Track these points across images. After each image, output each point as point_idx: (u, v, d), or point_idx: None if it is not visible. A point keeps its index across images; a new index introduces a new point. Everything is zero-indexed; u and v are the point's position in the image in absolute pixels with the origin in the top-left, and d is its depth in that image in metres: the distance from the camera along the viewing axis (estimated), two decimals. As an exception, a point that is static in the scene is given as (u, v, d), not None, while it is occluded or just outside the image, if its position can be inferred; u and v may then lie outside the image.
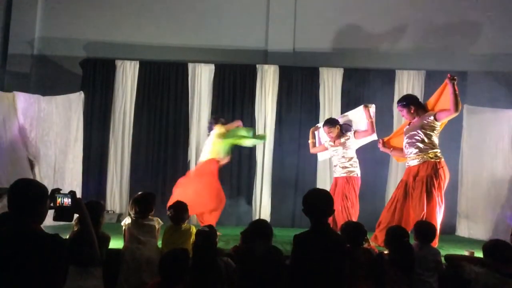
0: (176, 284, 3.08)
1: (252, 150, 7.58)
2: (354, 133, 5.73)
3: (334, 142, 5.76)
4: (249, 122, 7.72)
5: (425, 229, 4.00)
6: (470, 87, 7.59)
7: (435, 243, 4.40)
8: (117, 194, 7.62)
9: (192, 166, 7.64)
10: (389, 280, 3.59)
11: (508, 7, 8.10)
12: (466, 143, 7.18)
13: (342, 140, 5.70)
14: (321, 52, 8.12)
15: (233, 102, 7.86)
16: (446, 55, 7.88)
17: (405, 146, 5.11)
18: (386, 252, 3.83)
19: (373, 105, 5.75)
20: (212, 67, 7.85)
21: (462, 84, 7.49)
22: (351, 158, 5.65)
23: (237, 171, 7.69)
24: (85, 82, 7.78)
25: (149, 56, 7.99)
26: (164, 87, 7.87)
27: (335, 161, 5.78)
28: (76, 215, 3.01)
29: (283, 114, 7.74)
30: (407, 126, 5.22)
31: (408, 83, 7.73)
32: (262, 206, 7.57)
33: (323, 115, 7.56)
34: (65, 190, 2.61)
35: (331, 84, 7.84)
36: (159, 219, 4.22)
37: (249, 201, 7.60)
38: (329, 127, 5.75)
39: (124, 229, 4.11)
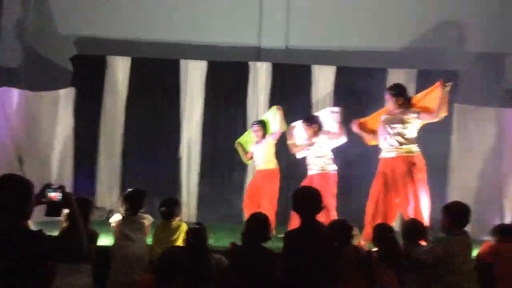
0: (171, 282, 3.06)
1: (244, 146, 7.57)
2: (327, 134, 5.80)
3: (310, 140, 5.77)
4: (242, 119, 7.73)
5: (411, 228, 4.03)
6: (460, 86, 7.61)
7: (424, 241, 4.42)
8: (107, 191, 7.57)
9: (184, 164, 7.64)
10: (379, 277, 3.60)
11: (497, 6, 8.16)
12: (455, 142, 7.22)
13: (316, 139, 5.74)
14: (314, 50, 8.11)
15: (225, 99, 7.84)
16: (438, 54, 7.90)
17: (383, 137, 5.12)
18: (375, 249, 3.85)
19: (338, 108, 5.94)
20: (204, 64, 7.82)
21: (453, 83, 7.55)
22: (325, 155, 5.70)
23: (228, 169, 7.68)
24: (76, 78, 7.70)
25: (140, 53, 7.92)
26: (155, 84, 7.82)
27: (310, 158, 5.79)
28: (65, 211, 3.00)
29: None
30: (387, 115, 5.19)
31: (399, 82, 7.71)
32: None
33: (315, 113, 7.56)
34: (55, 186, 2.58)
35: (323, 82, 7.84)
36: (149, 216, 4.21)
37: (241, 197, 7.58)
38: (308, 124, 5.78)
39: (114, 226, 4.09)
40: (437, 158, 7.18)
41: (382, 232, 3.83)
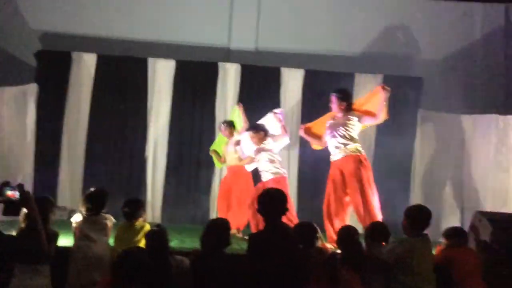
0: (129, 284, 3.01)
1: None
2: (272, 137, 5.90)
3: (257, 148, 5.84)
4: (210, 120, 7.69)
5: (374, 229, 4.10)
6: (424, 93, 7.82)
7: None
8: (69, 190, 7.40)
9: (150, 163, 7.55)
10: (343, 278, 3.64)
11: (465, 13, 8.40)
12: (419, 147, 7.39)
13: (263, 145, 5.81)
14: (283, 53, 8.16)
15: (194, 99, 7.78)
16: (403, 60, 8.08)
17: (330, 141, 5.40)
18: (339, 251, 3.90)
19: (281, 109, 6.20)
20: (173, 63, 7.74)
21: (417, 89, 7.75)
22: (274, 160, 5.77)
23: (195, 170, 7.63)
24: (40, 74, 7.49)
25: (107, 50, 7.76)
26: (122, 82, 7.68)
27: (261, 166, 5.85)
28: (24, 210, 2.91)
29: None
30: (331, 121, 5.47)
31: (365, 86, 7.86)
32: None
33: (284, 115, 7.60)
34: (14, 184, 2.51)
35: (292, 84, 7.89)
36: (111, 217, 4.13)
37: (208, 198, 7.55)
38: (254, 132, 5.86)
39: (75, 226, 4.01)
40: (400, 163, 7.35)
41: (346, 235, 3.89)
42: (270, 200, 3.36)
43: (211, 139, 7.62)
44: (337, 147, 5.29)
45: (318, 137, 5.68)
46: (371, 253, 3.75)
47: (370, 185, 5.14)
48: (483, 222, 4.67)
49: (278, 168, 5.71)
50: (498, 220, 4.68)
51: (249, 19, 8.14)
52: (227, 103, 7.75)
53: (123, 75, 7.68)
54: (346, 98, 5.43)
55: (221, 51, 8.13)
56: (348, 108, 5.40)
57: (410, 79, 7.86)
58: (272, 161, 5.73)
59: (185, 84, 7.75)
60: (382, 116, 5.28)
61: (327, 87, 7.68)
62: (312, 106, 7.61)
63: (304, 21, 8.20)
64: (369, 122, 5.39)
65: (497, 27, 8.34)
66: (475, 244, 4.37)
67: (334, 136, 5.33)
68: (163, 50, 7.95)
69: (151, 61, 7.70)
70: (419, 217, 3.74)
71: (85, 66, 7.58)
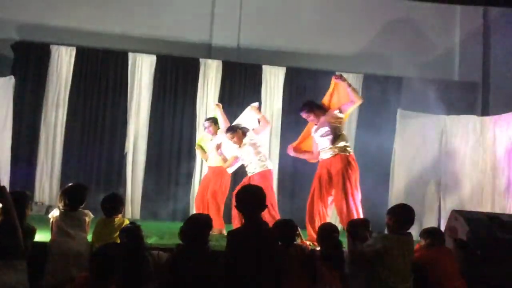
0: (106, 279, 2.98)
1: (192, 143, 7.52)
2: (253, 129, 5.88)
3: (240, 145, 5.83)
4: (190, 116, 7.66)
5: (355, 226, 4.13)
6: (404, 92, 7.91)
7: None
8: (46, 185, 7.28)
9: (129, 159, 7.48)
10: (322, 276, 3.66)
11: (444, 15, 8.53)
12: (398, 146, 7.46)
13: (246, 140, 5.77)
14: (265, 50, 8.16)
15: (175, 95, 7.73)
16: (383, 60, 8.15)
17: (317, 143, 5.40)
18: (318, 248, 3.91)
19: (257, 103, 6.22)
20: (153, 58, 7.68)
21: (397, 89, 7.84)
22: (259, 153, 5.73)
23: (175, 165, 7.59)
24: (17, 66, 7.35)
25: (87, 43, 7.65)
26: (102, 76, 7.59)
27: (246, 161, 5.82)
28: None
29: (224, 110, 7.67)
30: (315, 127, 5.46)
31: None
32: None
33: (264, 113, 7.60)
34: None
35: (273, 82, 7.92)
36: (89, 212, 4.08)
37: (187, 194, 7.52)
38: (232, 133, 5.82)
39: (52, 221, 3.95)
40: (380, 162, 7.43)
41: (326, 232, 3.90)
42: (249, 197, 3.35)
43: (192, 135, 7.61)
44: (326, 147, 5.27)
45: (309, 152, 5.67)
46: (352, 250, 3.78)
47: (356, 187, 5.14)
48: (460, 221, 4.74)
49: (263, 161, 5.68)
50: (475, 219, 4.76)
51: (231, 15, 8.12)
52: (208, 99, 7.73)
53: (102, 69, 7.60)
54: (313, 106, 5.46)
55: (202, 47, 8.09)
56: (321, 110, 5.44)
57: (390, 79, 7.96)
58: (257, 153, 5.69)
59: (166, 80, 7.70)
60: (357, 97, 5.26)
61: (308, 85, 7.79)
62: (293, 104, 7.64)
63: (286, 19, 8.21)
64: (349, 107, 5.36)
65: (476, 28, 8.50)
66: (452, 243, 4.43)
67: (323, 136, 5.30)
68: (144, 44, 7.87)
69: (131, 55, 7.62)
70: (404, 215, 3.79)
71: (64, 59, 7.46)
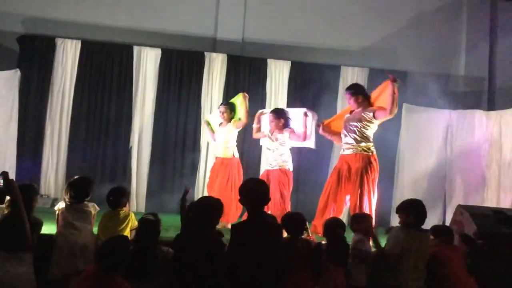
0: (114, 272, 2.99)
1: (197, 137, 7.52)
2: (290, 134, 5.68)
3: (272, 133, 5.75)
4: (195, 110, 7.66)
5: (351, 220, 4.16)
6: (409, 87, 7.88)
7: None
8: (52, 178, 7.31)
9: (134, 152, 7.49)
10: (327, 270, 3.66)
11: (450, 9, 8.47)
12: (403, 141, 7.45)
13: (279, 135, 5.67)
14: (270, 44, 8.13)
15: (179, 89, 7.72)
16: (389, 54, 8.12)
17: (343, 134, 5.28)
18: (324, 242, 3.92)
19: (313, 114, 5.73)
20: (158, 51, 7.67)
21: (402, 83, 7.79)
22: (284, 154, 5.64)
23: (180, 159, 7.60)
24: (22, 59, 7.36)
25: (92, 36, 7.65)
26: (107, 69, 7.59)
27: (268, 153, 5.77)
28: (7, 198, 2.87)
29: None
30: (348, 115, 5.35)
31: (352, 79, 7.90)
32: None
33: (269, 107, 7.57)
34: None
35: (278, 76, 7.90)
36: (95, 205, 4.10)
37: (193, 187, 7.52)
38: (275, 117, 5.70)
39: (58, 214, 3.96)
40: (385, 156, 7.41)
41: (331, 228, 3.90)
42: (249, 191, 3.35)
43: (196, 128, 7.61)
44: (349, 143, 5.16)
45: (337, 134, 5.47)
46: (356, 243, 3.80)
47: (373, 187, 5.03)
48: (465, 216, 4.73)
49: (286, 162, 5.61)
50: (480, 214, 4.75)
51: (236, 9, 8.10)
52: (213, 93, 7.71)
53: (107, 63, 7.60)
54: (359, 91, 5.29)
55: (207, 41, 8.07)
56: (365, 100, 5.25)
57: (395, 73, 7.88)
58: (282, 154, 5.63)
59: (171, 73, 7.70)
60: (393, 109, 4.98)
61: (313, 79, 7.78)
62: (298, 98, 7.63)
63: (291, 12, 8.19)
64: (382, 117, 5.10)
65: (482, 22, 8.44)
66: (458, 237, 4.42)
67: (348, 131, 5.18)
68: (149, 38, 7.86)
69: (136, 49, 7.61)
70: (423, 211, 3.83)
71: (69, 52, 7.46)
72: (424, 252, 3.72)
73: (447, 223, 5.82)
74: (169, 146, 7.61)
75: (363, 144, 5.09)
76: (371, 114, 5.12)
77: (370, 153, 5.09)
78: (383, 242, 4.08)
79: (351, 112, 5.35)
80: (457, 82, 8.28)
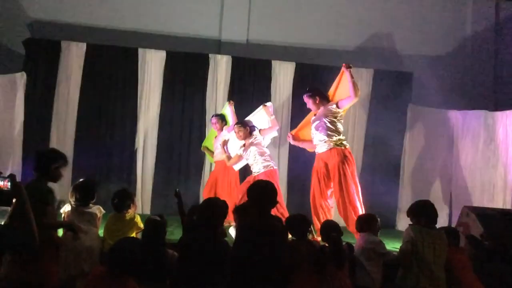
0: (123, 274, 2.98)
1: (201, 139, 7.53)
2: (260, 131, 5.92)
3: (244, 144, 5.86)
4: (200, 112, 7.66)
5: (358, 220, 4.15)
6: (415, 88, 7.86)
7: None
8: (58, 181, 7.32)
9: (140, 154, 7.51)
10: (330, 271, 3.66)
11: (456, 9, 8.44)
12: (409, 142, 7.43)
13: (251, 139, 5.81)
14: (274, 45, 8.15)
15: (184, 91, 7.73)
16: (394, 55, 8.11)
17: (313, 135, 5.47)
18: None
19: (270, 103, 6.20)
20: (163, 54, 7.68)
21: (407, 84, 7.78)
22: (263, 153, 5.76)
23: (185, 161, 7.61)
24: (28, 62, 7.37)
25: (97, 39, 7.69)
26: (112, 72, 7.61)
27: (250, 161, 5.84)
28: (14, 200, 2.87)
29: (234, 105, 7.71)
30: (313, 117, 5.55)
31: (357, 80, 7.82)
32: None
33: (274, 108, 7.59)
34: (4, 174, 2.49)
35: (282, 78, 7.89)
36: (100, 207, 4.11)
37: (197, 190, 7.53)
38: (239, 127, 5.87)
39: (64, 216, 3.98)
40: (391, 157, 7.41)
41: (325, 231, 3.92)
42: (260, 192, 3.36)
43: (201, 131, 7.61)
44: (321, 140, 5.34)
45: (308, 141, 5.72)
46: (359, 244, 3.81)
47: (353, 179, 5.20)
48: (472, 217, 4.71)
49: (268, 161, 5.71)
50: (486, 215, 4.73)
51: (240, 11, 8.12)
52: (218, 95, 7.72)
53: (113, 65, 7.61)
54: (315, 93, 5.56)
55: (212, 43, 8.09)
56: (323, 99, 5.52)
57: (401, 74, 7.90)
58: (261, 154, 5.73)
59: (176, 76, 7.70)
60: (357, 92, 5.24)
61: (318, 81, 7.75)
62: (303, 99, 7.61)
63: (295, 14, 8.20)
64: (347, 103, 5.35)
65: (488, 23, 8.41)
66: (465, 239, 4.40)
67: (318, 129, 5.38)
68: (153, 40, 7.89)
69: (141, 51, 7.63)
70: (433, 211, 3.93)
71: (75, 55, 7.48)
72: (441, 250, 3.73)
73: (453, 225, 5.80)
74: (174, 148, 7.62)
75: (334, 138, 5.26)
76: (334, 105, 5.35)
77: (343, 147, 5.25)
78: (387, 244, 4.08)
79: (315, 114, 5.55)
80: (463, 82, 8.24)
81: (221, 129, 6.43)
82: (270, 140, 6.28)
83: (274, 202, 3.37)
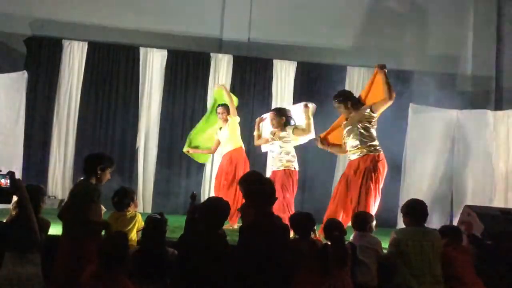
0: (115, 270, 2.96)
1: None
2: (294, 129, 5.62)
3: (274, 133, 5.67)
4: (201, 111, 7.66)
5: (361, 219, 4.14)
6: (416, 87, 7.85)
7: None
8: (59, 179, 7.36)
9: (141, 153, 7.51)
10: (333, 271, 3.66)
11: (457, 8, 8.43)
12: (410, 141, 7.41)
13: (281, 134, 5.60)
14: (276, 44, 8.15)
15: (185, 90, 7.75)
16: (395, 54, 8.10)
17: (345, 141, 5.14)
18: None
19: (313, 105, 5.72)
20: (164, 53, 7.70)
21: (408, 83, 7.77)
22: (289, 152, 5.57)
23: (186, 160, 7.60)
24: (29, 61, 7.42)
25: (98, 38, 7.70)
26: (113, 71, 7.63)
27: (273, 154, 5.67)
28: (15, 199, 2.88)
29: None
30: (345, 122, 5.19)
31: (358, 79, 7.91)
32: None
33: (275, 107, 7.59)
34: (5, 172, 2.49)
35: (284, 76, 7.90)
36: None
37: (199, 188, 7.53)
38: (276, 114, 5.65)
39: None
40: (391, 156, 7.38)
41: (328, 230, 3.91)
42: (257, 190, 3.36)
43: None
44: (354, 146, 5.01)
45: (337, 145, 5.36)
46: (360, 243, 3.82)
47: (376, 189, 4.88)
48: (473, 217, 4.70)
49: (291, 161, 5.53)
50: (488, 215, 4.72)
51: (242, 10, 8.12)
52: (219, 94, 7.72)
53: (114, 64, 7.63)
54: (347, 97, 5.16)
55: (213, 42, 8.09)
56: (355, 104, 5.13)
57: (402, 73, 7.89)
58: (287, 153, 5.55)
59: (177, 74, 7.72)
60: (391, 94, 4.81)
61: (319, 80, 7.76)
62: (304, 99, 7.59)
63: (297, 13, 8.19)
64: (382, 106, 4.94)
65: (489, 21, 8.40)
66: (466, 238, 4.39)
67: (349, 136, 5.05)
68: (155, 39, 7.89)
69: (142, 50, 7.64)
70: (420, 210, 3.92)
71: (76, 53, 7.50)
72: (431, 248, 3.72)
73: (454, 224, 5.79)
74: (175, 147, 7.62)
75: (369, 143, 4.95)
76: (368, 109, 4.99)
77: (377, 153, 4.95)
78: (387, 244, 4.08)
79: (346, 118, 5.20)
80: (464, 81, 8.24)
81: (227, 120, 6.11)
82: (301, 143, 5.86)
83: (272, 201, 3.37)
